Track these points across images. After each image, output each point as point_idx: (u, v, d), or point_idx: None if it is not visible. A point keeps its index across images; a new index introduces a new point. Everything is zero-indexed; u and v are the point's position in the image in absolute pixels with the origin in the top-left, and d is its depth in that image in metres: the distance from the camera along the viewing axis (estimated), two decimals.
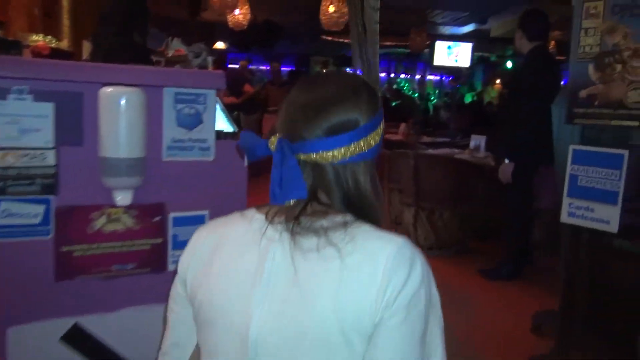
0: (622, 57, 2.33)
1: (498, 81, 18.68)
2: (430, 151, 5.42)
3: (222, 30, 13.55)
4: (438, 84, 20.44)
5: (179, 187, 1.85)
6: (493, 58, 17.33)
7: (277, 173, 0.88)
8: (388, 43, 14.93)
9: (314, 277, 0.83)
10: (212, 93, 1.84)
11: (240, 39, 12.48)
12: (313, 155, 0.89)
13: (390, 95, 12.40)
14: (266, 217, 0.92)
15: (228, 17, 7.96)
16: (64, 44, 7.15)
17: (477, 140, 5.24)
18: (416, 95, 18.93)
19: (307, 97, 0.93)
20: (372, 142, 0.93)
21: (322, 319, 0.81)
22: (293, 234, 0.87)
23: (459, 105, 13.47)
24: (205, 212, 1.89)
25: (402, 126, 6.88)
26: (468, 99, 19.53)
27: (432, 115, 13.16)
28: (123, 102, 1.61)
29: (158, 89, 1.77)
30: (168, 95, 1.78)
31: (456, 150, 5.46)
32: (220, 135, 1.94)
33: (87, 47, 7.99)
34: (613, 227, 2.37)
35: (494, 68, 18.24)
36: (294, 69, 20.90)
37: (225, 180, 1.90)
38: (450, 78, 18.86)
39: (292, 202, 0.89)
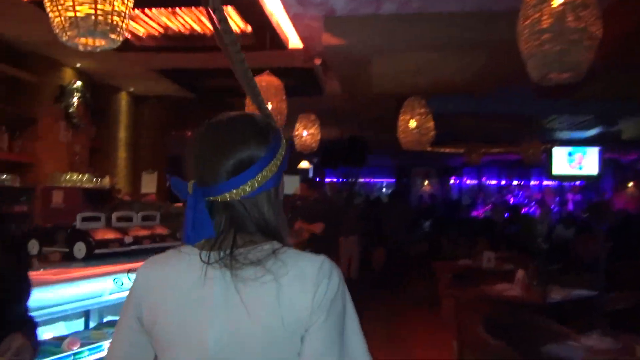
0: None
1: (631, 184, 15.65)
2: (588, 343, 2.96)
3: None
4: (558, 190, 17.67)
5: None
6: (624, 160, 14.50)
7: (190, 216, 0.96)
8: (496, 150, 12.88)
9: (256, 300, 0.94)
10: None
11: (326, 157, 11.21)
12: (222, 196, 0.97)
13: (500, 218, 9.94)
14: (200, 256, 0.97)
15: (295, 139, 6.57)
16: (106, 182, 6.09)
17: None
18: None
19: (205, 144, 1.00)
20: (269, 173, 1.00)
21: (269, 331, 0.93)
22: (232, 268, 0.95)
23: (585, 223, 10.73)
24: None
25: (519, 275, 4.78)
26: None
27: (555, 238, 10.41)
28: None
29: None
30: None
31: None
32: None
33: (146, 180, 6.76)
34: None
35: (625, 170, 15.30)
36: (395, 180, 19.39)
37: None
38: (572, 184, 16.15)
39: (220, 237, 0.99)
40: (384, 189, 19.10)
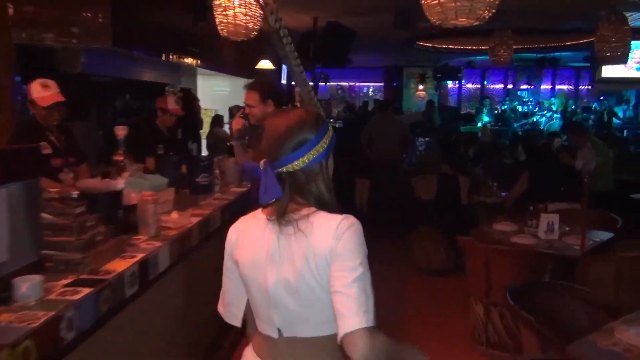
0: None
1: None
2: None
3: (262, 39, 9.03)
4: (572, 94, 14.76)
5: None
6: None
7: (263, 183, 1.29)
8: (519, 46, 9.75)
9: (295, 251, 1.26)
10: None
11: (298, 52, 8.17)
12: (286, 167, 1.29)
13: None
14: (267, 216, 1.32)
15: (217, 16, 3.51)
16: None
17: None
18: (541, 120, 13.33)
19: (272, 132, 1.33)
20: (320, 149, 1.31)
21: (304, 275, 1.24)
22: (280, 226, 1.28)
23: None
24: None
25: None
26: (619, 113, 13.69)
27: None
28: None
29: None
30: None
31: None
32: None
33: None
34: None
35: None
36: (383, 84, 16.28)
37: None
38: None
39: (278, 202, 1.30)
40: (371, 94, 16.02)
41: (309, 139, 1.29)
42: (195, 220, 2.75)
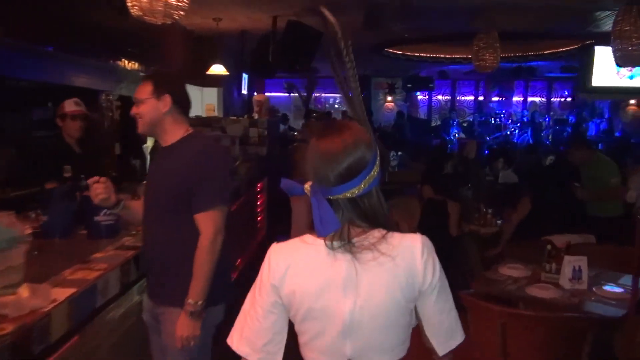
0: None
1: (633, 101, 12.28)
2: None
3: (216, 42, 7.96)
4: (545, 108, 14.23)
5: None
6: None
7: (317, 214, 1.13)
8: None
9: (378, 278, 1.15)
10: None
11: (255, 57, 7.15)
12: (340, 195, 1.15)
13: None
14: (326, 243, 1.16)
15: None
16: None
17: None
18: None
19: (322, 152, 1.16)
20: (375, 173, 1.16)
21: (391, 301, 1.15)
22: (353, 253, 1.15)
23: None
24: None
25: None
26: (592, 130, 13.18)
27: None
28: None
29: None
30: None
31: None
32: None
33: None
34: None
35: None
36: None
37: None
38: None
39: (338, 229, 1.15)
40: (337, 105, 15.09)
41: (367, 160, 1.15)
42: (64, 294, 1.70)
